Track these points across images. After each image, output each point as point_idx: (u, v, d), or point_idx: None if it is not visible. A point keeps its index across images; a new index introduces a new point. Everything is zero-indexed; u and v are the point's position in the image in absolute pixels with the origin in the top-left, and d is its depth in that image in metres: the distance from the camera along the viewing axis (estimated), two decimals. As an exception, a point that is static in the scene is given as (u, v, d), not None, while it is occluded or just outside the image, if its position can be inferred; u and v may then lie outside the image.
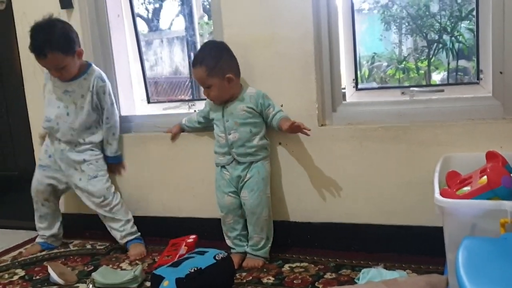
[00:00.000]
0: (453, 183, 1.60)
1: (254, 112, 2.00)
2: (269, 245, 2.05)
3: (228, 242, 2.10)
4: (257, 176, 2.00)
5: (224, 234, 2.11)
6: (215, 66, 1.95)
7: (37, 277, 2.07)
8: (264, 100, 2.01)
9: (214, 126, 2.07)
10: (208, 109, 2.13)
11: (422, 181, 1.87)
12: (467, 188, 1.48)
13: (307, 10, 1.97)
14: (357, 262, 1.94)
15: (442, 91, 2.00)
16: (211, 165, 2.11)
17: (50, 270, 2.00)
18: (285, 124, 1.94)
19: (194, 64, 2.00)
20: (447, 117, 1.89)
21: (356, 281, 1.76)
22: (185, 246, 2.07)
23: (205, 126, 2.19)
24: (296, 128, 1.92)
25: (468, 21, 2.60)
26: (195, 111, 2.32)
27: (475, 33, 1.98)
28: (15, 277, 2.08)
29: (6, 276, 2.10)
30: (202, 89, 2.07)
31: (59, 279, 1.96)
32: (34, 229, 2.42)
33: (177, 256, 1.99)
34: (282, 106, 2.05)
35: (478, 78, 1.97)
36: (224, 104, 2.03)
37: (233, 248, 2.07)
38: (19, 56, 2.56)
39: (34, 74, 2.52)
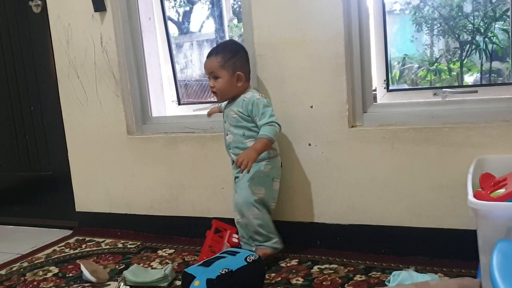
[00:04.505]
0: (487, 185, 1.57)
1: (245, 117, 1.98)
2: (275, 239, 2.00)
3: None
4: (247, 175, 1.96)
5: None
6: (230, 59, 1.97)
7: (70, 274, 2.12)
8: (253, 107, 1.95)
9: None
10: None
11: (454, 183, 1.84)
12: (501, 191, 1.45)
13: (338, 11, 1.96)
14: (387, 265, 1.92)
15: (476, 92, 1.96)
16: (241, 166, 2.12)
17: (82, 268, 2.04)
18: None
19: (210, 53, 2.01)
20: (480, 119, 1.86)
21: (387, 283, 1.74)
22: (227, 242, 2.07)
23: None
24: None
25: (503, 22, 2.55)
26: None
27: (510, 33, 1.94)
28: (49, 274, 2.13)
29: (41, 273, 2.15)
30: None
31: (91, 276, 2.00)
32: (67, 227, 2.47)
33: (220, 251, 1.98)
34: (312, 107, 2.05)
35: (513, 79, 1.93)
36: (226, 104, 2.05)
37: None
38: (53, 59, 2.62)
39: (68, 76, 2.58)
